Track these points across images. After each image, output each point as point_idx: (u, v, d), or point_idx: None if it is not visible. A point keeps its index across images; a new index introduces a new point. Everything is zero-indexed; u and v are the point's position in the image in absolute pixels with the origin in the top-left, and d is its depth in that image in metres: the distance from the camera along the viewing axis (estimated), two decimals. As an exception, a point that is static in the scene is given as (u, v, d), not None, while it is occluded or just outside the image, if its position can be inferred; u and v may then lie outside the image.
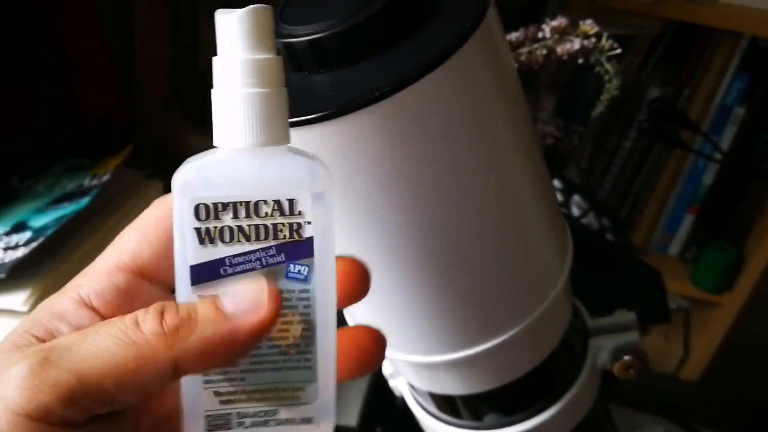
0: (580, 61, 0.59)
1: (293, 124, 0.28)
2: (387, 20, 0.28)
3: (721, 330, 1.22)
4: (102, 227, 0.66)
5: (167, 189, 0.83)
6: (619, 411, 0.59)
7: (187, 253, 0.24)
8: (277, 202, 0.24)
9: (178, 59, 1.19)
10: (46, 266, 0.60)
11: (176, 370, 0.22)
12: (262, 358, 0.25)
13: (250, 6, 0.23)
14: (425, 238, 0.31)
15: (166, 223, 0.25)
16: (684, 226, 1.25)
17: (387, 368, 0.48)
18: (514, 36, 0.58)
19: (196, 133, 1.14)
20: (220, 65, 0.23)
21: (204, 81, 0.33)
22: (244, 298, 0.23)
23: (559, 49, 0.56)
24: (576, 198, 0.66)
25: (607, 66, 0.57)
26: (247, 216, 0.24)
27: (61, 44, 0.81)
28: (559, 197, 0.67)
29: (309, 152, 0.24)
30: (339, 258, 0.25)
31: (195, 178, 0.23)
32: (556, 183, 0.68)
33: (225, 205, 0.23)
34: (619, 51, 0.57)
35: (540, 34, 0.57)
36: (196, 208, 0.23)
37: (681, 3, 1.03)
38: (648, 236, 1.28)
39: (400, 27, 0.28)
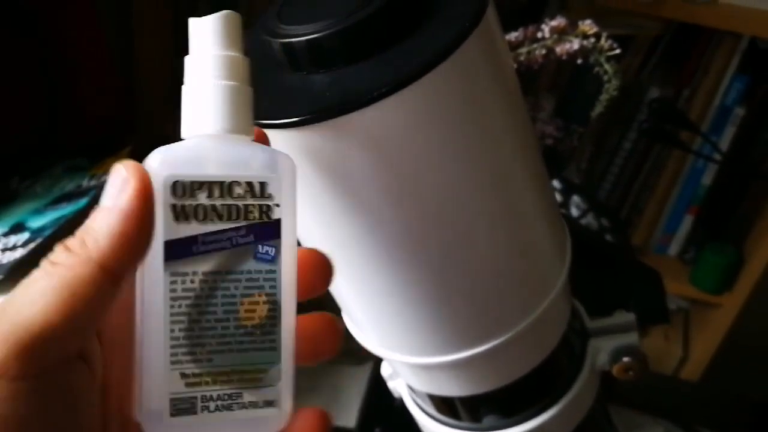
0: (579, 61, 0.59)
1: (291, 124, 0.28)
2: (385, 20, 0.28)
3: (721, 330, 1.22)
4: (101, 228, 0.66)
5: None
6: (618, 412, 0.59)
7: (162, 228, 0.24)
8: (250, 184, 0.25)
9: (178, 59, 1.19)
10: (45, 267, 0.60)
11: (108, 275, 0.23)
12: (230, 338, 0.25)
13: (222, 11, 0.25)
14: (424, 238, 0.31)
15: None
16: (683, 227, 1.25)
17: (386, 369, 0.47)
18: (513, 36, 0.58)
19: (196, 134, 1.14)
20: (191, 62, 0.25)
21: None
22: (112, 186, 0.24)
23: (558, 50, 0.56)
24: (575, 198, 0.66)
25: (606, 66, 0.56)
26: (221, 196, 0.25)
27: (61, 45, 0.81)
28: (559, 197, 0.67)
29: (272, 149, 0.26)
30: (303, 249, 0.27)
31: (173, 157, 0.25)
32: (556, 183, 0.68)
33: (201, 184, 0.25)
34: (618, 51, 0.57)
35: (539, 35, 0.57)
36: (174, 185, 0.24)
37: (681, 3, 1.03)
38: (647, 237, 1.28)
39: (398, 27, 0.28)
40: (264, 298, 0.26)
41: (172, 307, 0.25)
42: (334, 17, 0.28)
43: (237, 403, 0.26)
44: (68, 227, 0.62)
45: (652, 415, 0.89)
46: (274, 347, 0.26)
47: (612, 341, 0.46)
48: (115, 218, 0.23)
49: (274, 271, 0.26)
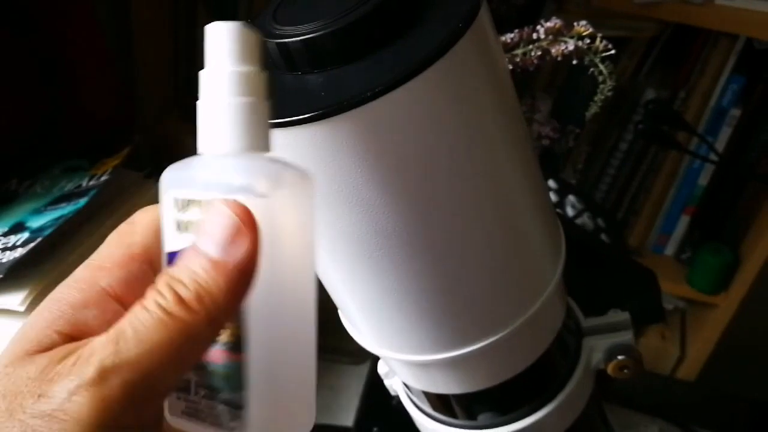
0: (575, 62, 0.59)
1: (286, 124, 0.28)
2: (379, 20, 0.28)
3: (717, 330, 1.22)
4: (100, 227, 0.66)
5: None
6: (614, 411, 0.60)
7: (167, 240, 0.25)
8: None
9: (177, 60, 1.19)
10: (44, 267, 0.60)
11: (219, 328, 0.23)
12: None
13: (239, 22, 0.25)
14: (418, 237, 0.31)
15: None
16: (680, 227, 1.26)
17: (382, 368, 0.48)
18: (509, 37, 0.59)
19: (194, 135, 1.14)
20: (205, 76, 0.25)
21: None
22: (221, 230, 0.23)
23: (553, 51, 0.57)
24: (571, 198, 0.66)
25: (602, 67, 0.57)
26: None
27: (60, 45, 0.81)
28: (554, 198, 0.67)
29: (289, 161, 0.25)
30: None
31: (176, 175, 0.25)
32: (551, 183, 0.68)
33: (189, 201, 0.25)
34: (613, 52, 0.58)
35: (535, 36, 0.58)
36: (174, 201, 0.25)
37: (677, 5, 1.03)
38: (644, 237, 1.28)
39: (392, 27, 0.29)
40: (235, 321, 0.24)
41: None
42: (328, 17, 0.28)
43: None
44: (68, 227, 0.63)
45: (648, 414, 0.89)
46: (237, 372, 0.25)
47: (607, 340, 0.46)
48: (233, 277, 0.23)
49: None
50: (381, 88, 0.27)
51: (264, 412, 0.25)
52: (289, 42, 0.29)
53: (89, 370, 0.21)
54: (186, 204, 0.25)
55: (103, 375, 0.21)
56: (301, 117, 0.28)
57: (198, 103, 0.25)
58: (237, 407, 0.25)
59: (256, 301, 0.24)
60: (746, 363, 1.23)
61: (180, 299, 0.23)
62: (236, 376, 0.24)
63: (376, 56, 0.29)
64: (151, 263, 0.26)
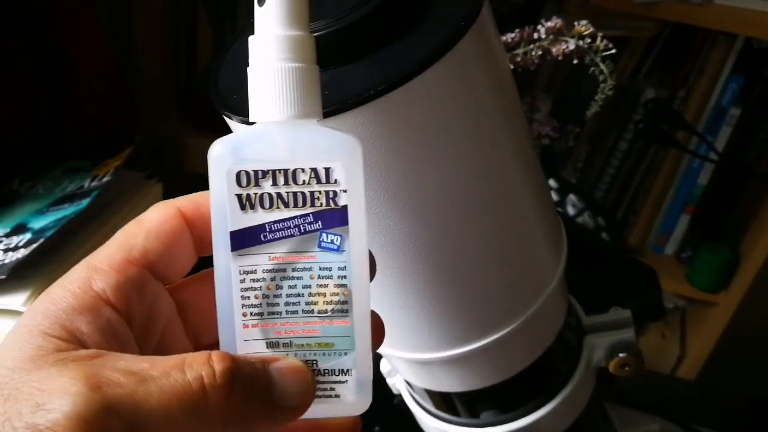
0: (575, 61, 0.59)
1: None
2: (381, 19, 0.28)
3: (718, 329, 1.22)
4: (102, 228, 0.66)
5: (167, 190, 0.84)
6: (615, 409, 0.60)
7: (228, 219, 0.24)
8: (314, 170, 0.24)
9: (178, 61, 1.19)
10: (46, 267, 0.60)
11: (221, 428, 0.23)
12: (301, 327, 0.26)
13: None
14: (420, 236, 0.31)
15: (172, 223, 0.26)
16: (680, 227, 1.26)
17: (384, 366, 0.48)
18: (509, 37, 0.59)
19: (196, 135, 1.14)
20: (255, 42, 0.24)
21: (203, 83, 0.33)
22: (294, 391, 0.24)
23: (554, 50, 0.57)
24: (572, 197, 0.66)
25: (602, 66, 0.57)
26: (286, 183, 0.24)
27: (62, 47, 0.81)
28: (555, 197, 0.67)
29: (338, 128, 0.25)
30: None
31: (234, 148, 0.24)
32: (552, 182, 0.68)
33: (265, 173, 0.24)
34: (613, 51, 0.58)
35: (535, 35, 0.58)
36: (238, 175, 0.24)
37: (676, 4, 1.03)
38: (644, 237, 1.28)
39: (394, 26, 0.29)
40: (333, 287, 0.25)
41: (242, 298, 0.25)
42: (329, 17, 0.28)
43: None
44: (70, 228, 0.63)
45: (649, 412, 0.89)
46: (347, 335, 0.25)
47: (608, 337, 0.47)
48: (270, 415, 0.24)
49: (343, 260, 0.25)
50: (383, 87, 0.27)
51: (365, 371, 0.26)
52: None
53: (96, 399, 0.21)
54: (256, 177, 0.24)
55: (107, 410, 0.21)
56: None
57: (249, 69, 0.24)
58: (346, 372, 0.25)
59: (357, 267, 0.25)
60: (746, 361, 1.23)
61: (223, 397, 0.22)
62: (347, 339, 0.25)
63: (378, 56, 0.29)
64: (150, 267, 0.26)
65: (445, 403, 0.43)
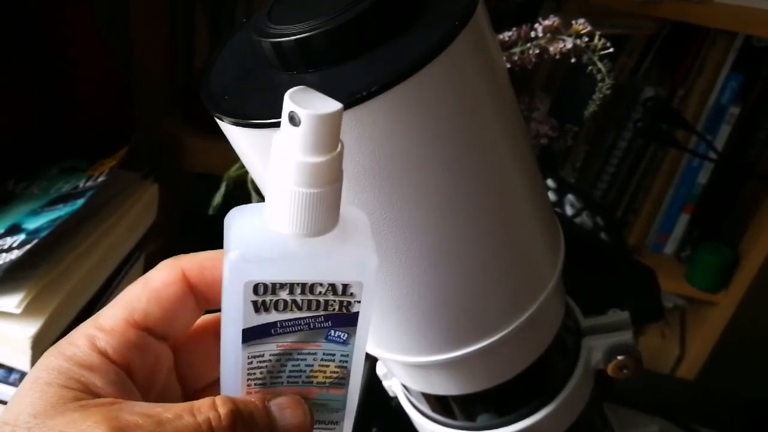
0: (573, 60, 0.59)
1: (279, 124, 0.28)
2: (375, 19, 0.28)
3: (717, 329, 1.22)
4: (97, 229, 0.66)
5: (163, 190, 0.83)
6: (614, 410, 0.59)
7: (241, 318, 0.26)
8: (332, 285, 0.25)
9: (176, 60, 1.19)
10: (41, 269, 0.60)
11: None
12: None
13: (322, 108, 0.23)
14: (414, 237, 0.31)
15: (175, 288, 0.28)
16: (679, 226, 1.25)
17: (380, 369, 0.48)
18: (507, 36, 0.58)
19: (194, 134, 1.14)
20: (281, 156, 0.23)
21: (200, 83, 0.33)
22: (293, 423, 0.27)
23: (551, 49, 0.56)
24: (570, 197, 0.66)
25: (600, 65, 0.57)
26: (302, 293, 0.25)
27: (59, 45, 0.81)
28: (553, 196, 0.67)
29: (355, 232, 0.26)
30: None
31: (252, 258, 0.25)
32: (550, 182, 0.68)
33: (283, 285, 0.25)
34: (611, 50, 0.58)
35: (533, 34, 0.57)
36: (255, 287, 0.25)
37: (675, 3, 1.03)
38: (643, 236, 1.28)
39: (388, 26, 0.28)
40: (334, 368, 0.27)
41: (248, 375, 0.27)
42: (323, 16, 0.28)
43: None
44: (64, 228, 0.63)
45: (648, 413, 0.89)
46: (341, 399, 0.28)
47: (606, 339, 0.46)
48: None
49: (347, 350, 0.27)
50: (376, 88, 0.27)
51: (351, 419, 0.30)
52: (283, 41, 0.29)
53: None
54: (274, 288, 0.25)
55: None
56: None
57: (269, 170, 0.24)
58: (335, 423, 0.29)
59: (358, 352, 0.27)
60: (747, 361, 1.23)
61: (230, 430, 0.25)
62: (340, 402, 0.29)
63: (372, 55, 0.28)
64: (151, 330, 0.28)
65: (441, 406, 0.42)
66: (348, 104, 0.27)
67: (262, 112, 0.28)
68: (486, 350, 0.35)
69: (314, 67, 0.29)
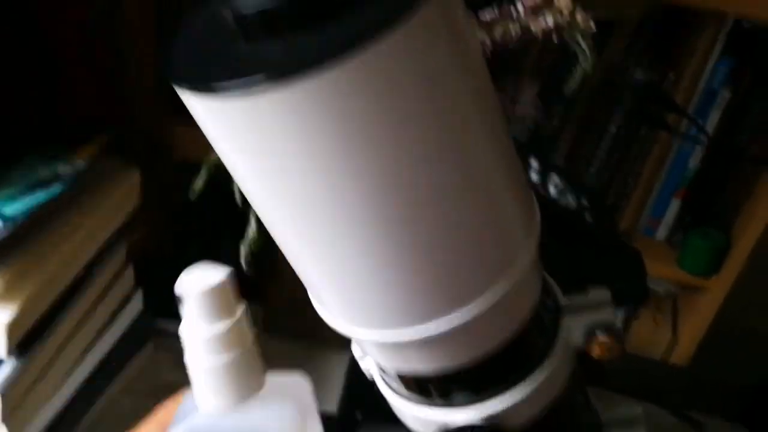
0: (556, 41, 0.58)
1: (244, 93, 0.27)
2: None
3: (709, 314, 1.22)
4: (75, 215, 0.65)
5: (150, 179, 0.83)
6: (598, 393, 0.59)
7: None
8: None
9: (162, 51, 1.18)
10: (16, 255, 0.59)
11: None
12: None
13: (207, 282, 0.25)
14: (379, 204, 0.31)
15: None
16: (671, 210, 1.25)
17: (356, 350, 0.47)
18: (487, 15, 0.58)
19: (183, 123, 1.13)
20: (186, 336, 0.25)
21: (163, 56, 0.33)
22: None
23: (533, 27, 0.56)
24: (554, 178, 0.65)
25: (581, 41, 0.56)
26: None
27: (43, 31, 0.80)
28: (536, 177, 0.66)
29: (283, 385, 0.28)
30: None
31: None
32: (534, 163, 0.67)
33: None
34: (593, 29, 0.57)
35: (513, 13, 0.57)
36: None
37: (664, -15, 1.02)
38: (635, 221, 1.28)
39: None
40: None
41: None
42: None
43: None
44: (42, 214, 0.62)
45: (637, 398, 0.88)
46: None
47: (586, 318, 0.46)
48: None
49: None
50: (339, 54, 0.26)
51: None
52: (244, 9, 0.28)
53: None
54: None
55: None
56: (258, 85, 0.27)
57: (186, 360, 0.26)
58: None
59: None
60: (739, 347, 1.23)
61: None
62: None
63: (336, 22, 0.28)
64: None
65: (416, 384, 0.42)
66: (312, 69, 0.26)
67: (223, 78, 0.28)
68: (458, 322, 0.35)
69: (277, 35, 0.29)
